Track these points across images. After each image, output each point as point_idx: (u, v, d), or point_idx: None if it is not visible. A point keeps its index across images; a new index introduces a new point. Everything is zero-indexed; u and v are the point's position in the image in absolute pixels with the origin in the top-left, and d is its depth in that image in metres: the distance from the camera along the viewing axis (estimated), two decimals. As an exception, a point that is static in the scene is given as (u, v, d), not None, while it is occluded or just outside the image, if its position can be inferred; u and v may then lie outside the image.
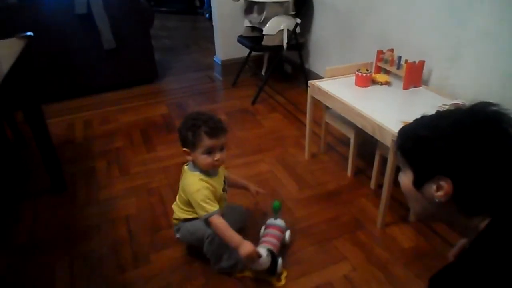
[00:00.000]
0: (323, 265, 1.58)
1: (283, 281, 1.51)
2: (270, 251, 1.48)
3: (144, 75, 3.48)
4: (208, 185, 1.45)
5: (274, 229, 1.63)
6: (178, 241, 1.63)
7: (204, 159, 1.43)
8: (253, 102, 3.03)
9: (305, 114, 2.16)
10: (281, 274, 1.52)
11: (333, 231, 1.75)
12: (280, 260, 1.51)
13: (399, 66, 1.96)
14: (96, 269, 1.62)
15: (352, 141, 2.01)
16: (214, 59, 3.64)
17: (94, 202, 2.02)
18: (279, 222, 1.66)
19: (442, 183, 0.77)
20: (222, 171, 1.59)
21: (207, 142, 1.40)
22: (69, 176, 2.19)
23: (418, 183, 0.83)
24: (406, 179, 0.87)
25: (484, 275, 0.72)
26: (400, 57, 1.95)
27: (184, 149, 1.46)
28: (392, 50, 2.03)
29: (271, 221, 1.67)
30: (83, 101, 3.19)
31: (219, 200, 1.51)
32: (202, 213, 1.43)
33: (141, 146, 2.52)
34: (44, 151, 2.04)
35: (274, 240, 1.58)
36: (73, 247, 1.73)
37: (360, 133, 1.91)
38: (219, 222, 1.43)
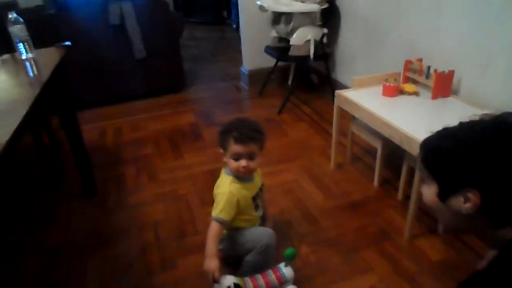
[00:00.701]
0: (349, 276, 1.57)
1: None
2: (237, 287, 1.36)
3: (172, 84, 3.57)
4: (236, 193, 1.46)
5: (274, 275, 1.44)
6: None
7: (231, 163, 1.45)
8: (279, 112, 3.06)
9: (331, 124, 2.17)
10: None
11: (360, 242, 1.74)
12: None
13: (428, 76, 1.94)
14: (125, 272, 1.66)
15: (379, 151, 2.00)
16: (241, 69, 3.69)
17: (123, 207, 2.08)
18: (286, 271, 1.45)
19: (470, 195, 0.77)
20: (259, 179, 1.58)
21: (233, 147, 1.42)
22: (100, 181, 2.26)
23: (444, 196, 0.82)
24: (430, 192, 0.86)
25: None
26: (429, 67, 1.93)
27: (220, 150, 1.50)
28: (420, 60, 2.02)
29: (279, 265, 1.47)
30: (114, 109, 3.29)
31: (246, 207, 1.51)
32: (213, 212, 1.44)
33: (169, 153, 2.58)
34: (78, 156, 2.13)
35: (261, 284, 1.41)
36: (104, 249, 1.79)
37: (387, 143, 1.89)
38: (215, 230, 1.42)
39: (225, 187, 1.47)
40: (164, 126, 2.97)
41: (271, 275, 1.43)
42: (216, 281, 1.34)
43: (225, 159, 1.49)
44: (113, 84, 3.31)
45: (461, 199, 0.78)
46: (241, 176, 1.49)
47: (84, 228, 1.94)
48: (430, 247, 1.68)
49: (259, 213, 1.59)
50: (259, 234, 1.51)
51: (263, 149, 1.49)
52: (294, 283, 1.48)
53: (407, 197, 1.81)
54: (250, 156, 1.44)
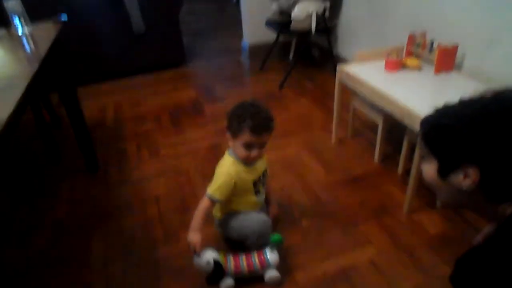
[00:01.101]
0: (349, 249, 1.60)
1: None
2: (216, 263, 1.38)
3: (172, 59, 3.53)
4: (235, 175, 1.44)
5: (257, 258, 1.43)
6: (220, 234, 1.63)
7: (241, 151, 1.41)
8: (281, 87, 3.04)
9: (332, 99, 2.16)
10: None
11: (359, 216, 1.76)
12: (227, 284, 1.42)
13: (431, 50, 1.92)
14: (129, 245, 1.70)
15: (380, 126, 1.99)
16: (242, 43, 3.65)
17: (125, 182, 2.10)
18: (270, 256, 1.43)
19: (469, 171, 0.77)
20: (262, 164, 1.56)
21: (248, 137, 1.37)
22: (102, 157, 2.28)
23: (444, 173, 0.83)
24: (430, 168, 0.86)
25: (510, 258, 0.72)
26: (432, 41, 1.90)
27: (227, 133, 1.44)
28: (424, 34, 1.99)
29: (265, 249, 1.45)
30: (114, 85, 3.28)
31: (244, 190, 1.50)
32: (209, 189, 1.44)
33: (170, 128, 2.58)
34: (78, 132, 2.13)
35: (243, 264, 1.42)
36: (107, 224, 1.82)
37: (388, 118, 1.89)
38: (206, 206, 1.43)
39: (225, 167, 1.46)
40: (165, 101, 2.96)
41: (255, 257, 1.43)
42: (197, 253, 1.37)
43: (231, 143, 1.45)
44: (112, 60, 3.28)
45: (461, 175, 0.79)
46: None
47: (87, 203, 1.97)
48: (429, 221, 1.71)
49: (260, 198, 1.57)
50: (253, 221, 1.51)
51: None
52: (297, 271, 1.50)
53: (407, 172, 1.82)
54: (262, 145, 1.42)
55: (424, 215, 1.74)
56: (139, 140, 2.48)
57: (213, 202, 1.44)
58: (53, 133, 2.53)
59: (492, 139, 0.74)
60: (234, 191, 1.46)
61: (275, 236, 1.43)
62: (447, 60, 1.88)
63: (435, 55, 1.88)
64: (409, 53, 2.05)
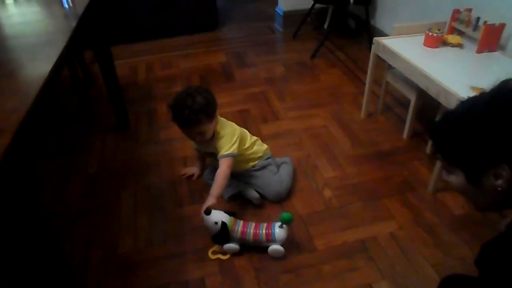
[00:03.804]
0: (370, 221, 1.62)
1: (212, 256, 1.49)
2: (223, 225, 1.42)
3: (205, 22, 3.51)
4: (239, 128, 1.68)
5: (265, 230, 1.44)
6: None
7: (187, 137, 1.64)
8: (313, 56, 2.99)
9: (365, 72, 2.11)
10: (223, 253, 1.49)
11: (383, 190, 1.76)
12: (230, 246, 1.46)
13: (475, 28, 1.83)
14: (157, 201, 1.77)
15: (412, 103, 1.95)
16: (276, 9, 3.57)
17: (154, 142, 2.16)
18: (278, 231, 1.43)
19: (499, 170, 0.73)
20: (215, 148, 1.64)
21: (181, 130, 1.59)
22: (132, 116, 2.34)
23: (473, 180, 0.79)
24: (457, 179, 0.82)
25: None
26: (478, 18, 1.82)
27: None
28: (470, 10, 1.90)
29: (274, 223, 1.45)
30: (146, 45, 3.30)
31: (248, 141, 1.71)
32: (223, 151, 1.58)
33: (200, 92, 2.60)
34: (111, 90, 2.18)
35: (249, 232, 1.44)
36: (136, 179, 1.89)
37: (421, 95, 1.85)
38: (228, 166, 1.58)
39: (230, 126, 1.63)
40: (196, 64, 2.97)
41: (263, 229, 1.45)
42: (206, 212, 1.43)
43: None
44: (145, 21, 3.29)
45: (492, 177, 0.75)
46: None
47: (118, 159, 2.05)
48: (453, 201, 1.69)
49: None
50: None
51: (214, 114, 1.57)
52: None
53: (435, 157, 1.79)
54: (200, 133, 1.55)
55: (448, 196, 1.72)
56: (169, 101, 2.51)
57: (234, 158, 1.58)
58: (86, 90, 2.60)
59: (508, 133, 0.71)
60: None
61: (285, 215, 1.41)
62: (491, 39, 1.79)
63: (479, 33, 1.80)
64: (451, 30, 1.97)
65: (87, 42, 2.09)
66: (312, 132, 2.15)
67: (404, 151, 2.00)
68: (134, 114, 2.38)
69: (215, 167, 1.62)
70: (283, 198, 1.72)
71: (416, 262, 1.44)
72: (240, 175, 1.74)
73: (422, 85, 1.69)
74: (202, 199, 1.74)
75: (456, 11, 1.93)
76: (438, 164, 1.65)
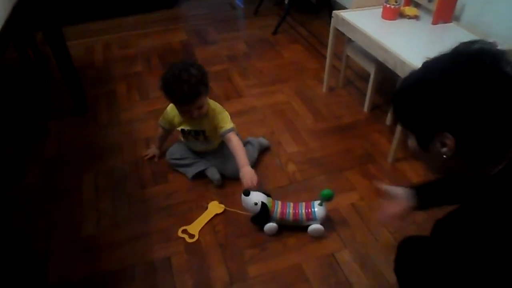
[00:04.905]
0: (333, 193, 1.65)
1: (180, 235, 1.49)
2: (264, 206, 1.42)
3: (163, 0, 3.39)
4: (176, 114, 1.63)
5: (304, 209, 1.45)
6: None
7: (182, 115, 1.58)
8: (274, 32, 2.96)
9: (326, 47, 2.12)
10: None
11: (345, 163, 1.80)
12: (271, 226, 1.45)
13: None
14: (119, 184, 1.73)
15: (372, 76, 1.98)
16: (236, -15, 3.50)
17: (115, 124, 2.10)
18: (318, 210, 1.44)
19: (444, 139, 0.74)
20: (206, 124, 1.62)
21: (179, 107, 1.55)
22: (90, 98, 2.25)
23: (423, 144, 0.80)
24: (412, 142, 0.84)
25: (490, 219, 0.72)
26: (432, -11, 1.85)
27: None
28: (424, -19, 1.93)
29: (313, 202, 1.46)
30: (102, 24, 3.16)
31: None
32: (227, 126, 1.60)
33: (159, 71, 2.49)
34: (65, 72, 2.07)
35: (289, 212, 1.45)
36: (98, 163, 1.84)
37: (381, 68, 1.88)
38: (238, 138, 1.63)
39: (218, 105, 1.62)
40: (155, 43, 2.88)
41: (302, 208, 1.45)
42: (245, 193, 1.42)
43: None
44: (100, -3, 3.14)
45: (438, 144, 0.76)
46: None
47: (77, 143, 1.98)
48: (412, 170, 1.75)
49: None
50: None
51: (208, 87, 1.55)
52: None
53: (395, 122, 1.84)
54: (199, 107, 1.52)
55: (407, 165, 1.78)
56: (128, 81, 2.44)
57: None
58: (39, 73, 2.47)
59: (456, 102, 0.71)
60: None
61: (326, 191, 1.41)
62: (446, 10, 1.83)
63: (434, 5, 1.83)
64: (408, 2, 2.00)
65: (36, 23, 1.97)
66: (275, 109, 2.16)
67: (365, 124, 2.04)
68: (93, 96, 2.29)
69: (180, 147, 1.68)
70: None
71: (376, 230, 1.50)
72: (205, 153, 1.72)
73: (380, 57, 1.71)
74: (165, 180, 1.73)
75: (412, -17, 1.95)
76: (398, 135, 1.70)
